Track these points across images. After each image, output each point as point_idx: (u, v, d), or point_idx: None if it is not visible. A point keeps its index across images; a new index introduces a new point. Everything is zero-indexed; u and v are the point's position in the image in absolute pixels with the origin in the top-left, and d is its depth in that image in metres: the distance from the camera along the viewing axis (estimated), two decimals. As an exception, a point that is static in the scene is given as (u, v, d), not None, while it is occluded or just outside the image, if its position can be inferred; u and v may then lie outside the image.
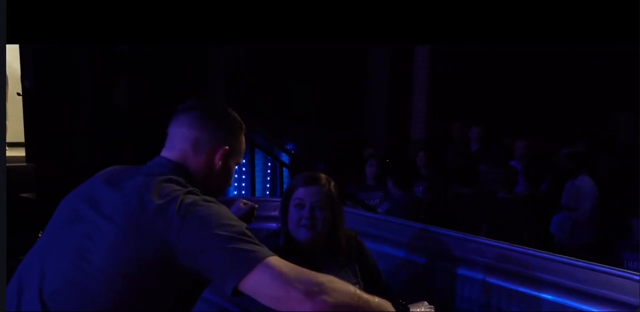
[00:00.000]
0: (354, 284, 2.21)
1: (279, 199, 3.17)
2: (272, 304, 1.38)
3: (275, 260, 1.40)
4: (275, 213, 2.93)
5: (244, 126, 1.73)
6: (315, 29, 3.16)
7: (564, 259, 2.08)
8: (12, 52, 6.38)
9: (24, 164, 5.90)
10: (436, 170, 6.14)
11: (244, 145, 1.75)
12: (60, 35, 3.11)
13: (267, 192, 6.67)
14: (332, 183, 2.24)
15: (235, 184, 6.39)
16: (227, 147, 1.66)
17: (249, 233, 1.45)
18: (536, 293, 2.16)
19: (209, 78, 7.09)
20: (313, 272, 1.41)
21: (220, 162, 1.65)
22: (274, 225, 2.67)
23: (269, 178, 6.72)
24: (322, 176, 2.25)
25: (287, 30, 3.20)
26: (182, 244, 1.42)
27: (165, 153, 1.66)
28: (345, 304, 1.39)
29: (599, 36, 2.74)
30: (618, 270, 1.89)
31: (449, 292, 2.44)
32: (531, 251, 2.20)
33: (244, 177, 6.40)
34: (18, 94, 6.46)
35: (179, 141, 1.64)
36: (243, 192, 6.33)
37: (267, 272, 1.36)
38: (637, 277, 1.83)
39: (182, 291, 1.52)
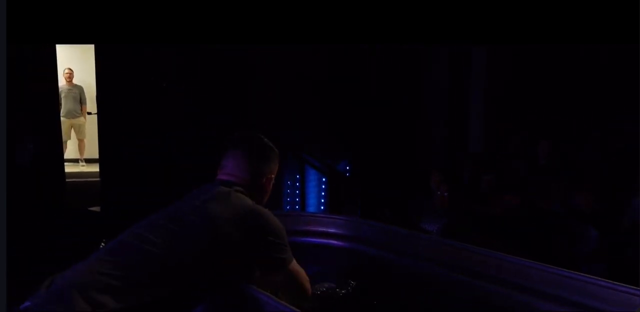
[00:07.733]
0: None
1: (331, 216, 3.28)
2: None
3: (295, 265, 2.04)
4: (324, 229, 3.12)
5: (278, 153, 2.20)
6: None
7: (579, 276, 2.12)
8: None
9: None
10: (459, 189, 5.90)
11: None
12: (59, 35, 3.23)
13: (322, 208, 6.72)
14: None
15: (289, 199, 6.53)
16: (273, 175, 2.17)
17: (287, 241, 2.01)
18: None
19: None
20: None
21: (270, 186, 2.18)
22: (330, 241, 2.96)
23: (323, 193, 6.79)
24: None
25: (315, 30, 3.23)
26: (246, 241, 1.90)
27: (225, 177, 2.11)
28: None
29: (599, 36, 2.72)
30: (620, 284, 1.88)
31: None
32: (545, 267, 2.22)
33: (297, 192, 6.53)
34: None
35: (237, 170, 2.11)
36: (297, 206, 6.46)
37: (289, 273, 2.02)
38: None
39: (226, 272, 1.94)
